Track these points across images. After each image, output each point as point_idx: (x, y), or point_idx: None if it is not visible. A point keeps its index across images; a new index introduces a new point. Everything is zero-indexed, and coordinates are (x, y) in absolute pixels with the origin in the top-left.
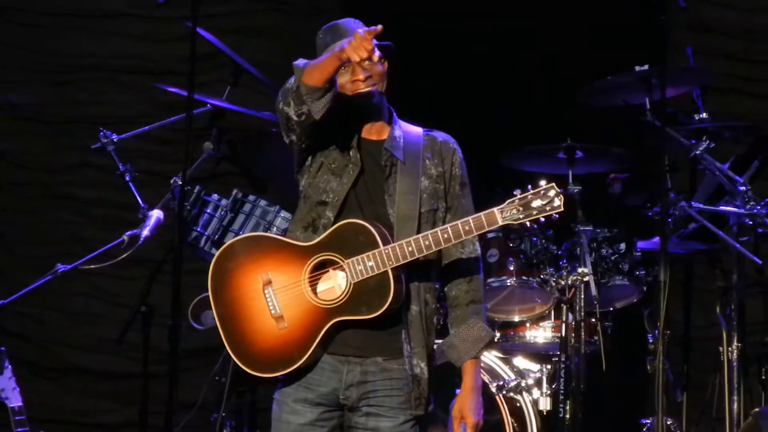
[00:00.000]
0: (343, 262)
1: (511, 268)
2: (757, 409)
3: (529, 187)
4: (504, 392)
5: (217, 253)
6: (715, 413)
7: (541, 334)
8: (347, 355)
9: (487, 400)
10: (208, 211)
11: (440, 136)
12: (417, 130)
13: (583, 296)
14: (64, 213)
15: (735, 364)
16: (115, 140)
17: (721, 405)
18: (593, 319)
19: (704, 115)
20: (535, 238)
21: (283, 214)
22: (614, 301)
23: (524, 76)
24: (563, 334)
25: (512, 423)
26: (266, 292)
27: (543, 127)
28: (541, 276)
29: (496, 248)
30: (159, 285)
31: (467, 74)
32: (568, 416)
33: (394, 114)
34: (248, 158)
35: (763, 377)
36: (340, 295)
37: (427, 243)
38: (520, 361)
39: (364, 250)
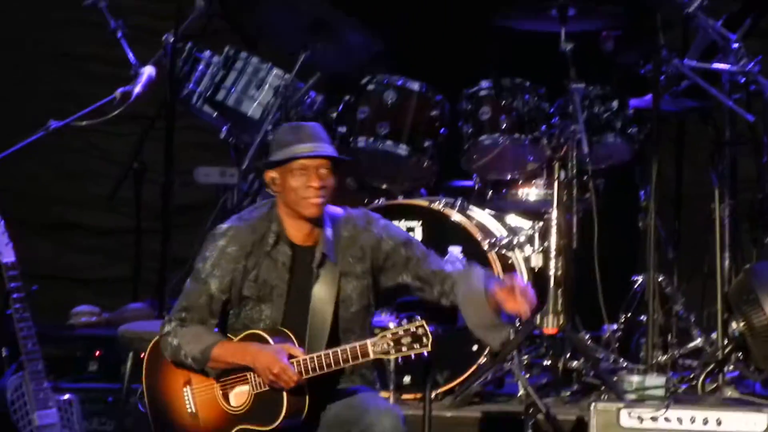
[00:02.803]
0: (246, 372)
1: (504, 126)
2: (748, 266)
3: (405, 321)
4: (496, 249)
5: (149, 345)
6: (706, 270)
7: (533, 191)
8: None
9: (480, 258)
10: (200, 67)
11: (361, 223)
12: (338, 218)
13: (575, 154)
14: (57, 69)
15: (726, 221)
16: None
17: (712, 262)
18: (585, 177)
19: None
20: (527, 96)
21: (276, 71)
22: (606, 158)
23: None
24: (555, 192)
25: None
26: (185, 390)
27: None
28: (534, 134)
29: (488, 105)
30: (151, 141)
31: None
32: (559, 273)
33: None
34: (240, 15)
35: (755, 234)
36: (243, 404)
37: (312, 365)
38: (512, 219)
39: None
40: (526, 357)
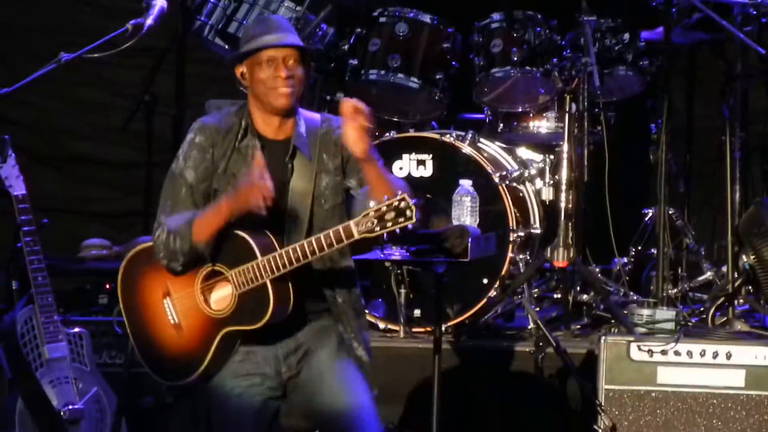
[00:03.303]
0: (227, 272)
1: (515, 59)
2: (758, 199)
3: (386, 197)
4: (507, 182)
5: (123, 263)
6: (717, 203)
7: (544, 124)
8: (275, 338)
9: (491, 190)
10: (212, 0)
11: (336, 122)
12: (315, 119)
13: (586, 86)
14: (67, 1)
15: (737, 153)
16: None
17: (723, 194)
18: (596, 110)
19: None
20: (539, 28)
21: (287, 3)
22: (618, 91)
23: None
24: (566, 125)
25: (515, 212)
26: (165, 301)
27: None
28: (545, 66)
29: (500, 38)
30: (163, 74)
31: None
32: (570, 206)
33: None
34: None
35: (765, 167)
36: (227, 306)
37: (296, 255)
38: (523, 152)
39: (245, 261)
40: (536, 290)
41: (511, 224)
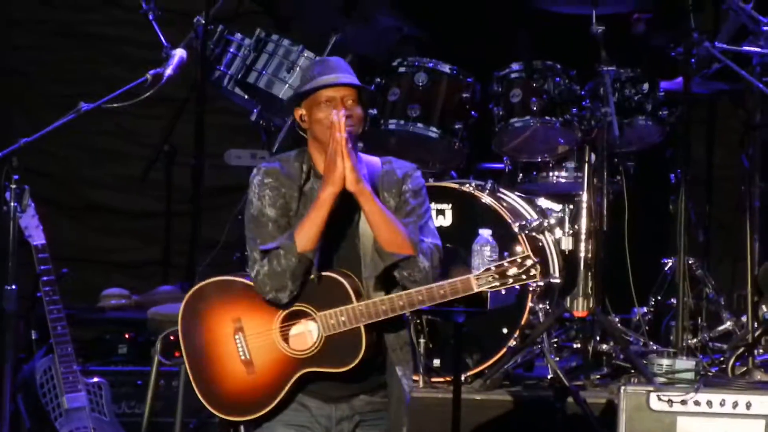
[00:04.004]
0: (315, 314)
1: (534, 108)
2: None
3: (506, 254)
4: (526, 232)
5: (187, 295)
6: (736, 253)
7: (563, 174)
8: (333, 399)
9: (510, 240)
10: (232, 50)
11: (399, 165)
12: (375, 162)
13: (605, 136)
14: (88, 52)
15: (757, 203)
16: None
17: (742, 245)
18: (616, 159)
19: None
20: (558, 78)
21: (307, 53)
22: (637, 141)
23: None
24: (586, 174)
25: None
26: (237, 337)
27: None
28: (564, 116)
29: (519, 88)
30: (182, 124)
31: None
32: (589, 256)
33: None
34: None
35: None
36: (311, 347)
37: (401, 303)
38: (543, 201)
39: (337, 304)
40: (555, 340)
41: None
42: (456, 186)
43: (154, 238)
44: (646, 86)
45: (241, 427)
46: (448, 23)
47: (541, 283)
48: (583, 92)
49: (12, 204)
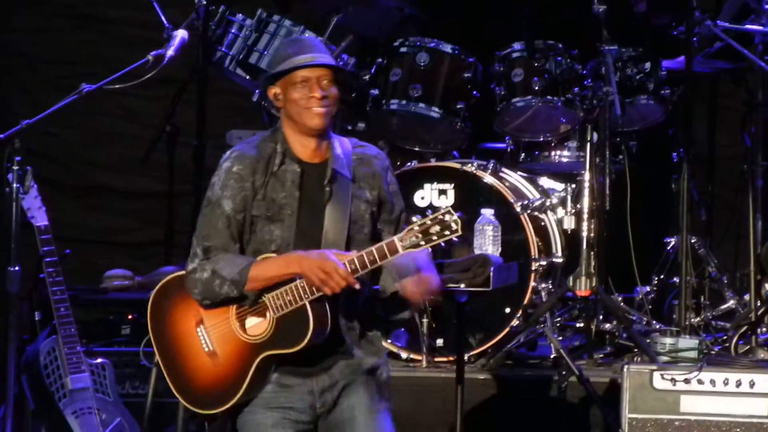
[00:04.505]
0: (264, 297)
1: (536, 88)
2: None
3: (429, 212)
4: (528, 211)
5: (152, 294)
6: (739, 231)
7: (565, 153)
8: (311, 373)
9: (513, 220)
10: (233, 31)
11: (371, 150)
12: (347, 146)
13: (608, 115)
14: (89, 33)
15: (759, 182)
16: None
17: (745, 223)
18: (618, 139)
19: None
20: (560, 58)
21: (308, 33)
22: (639, 120)
23: None
24: (588, 154)
25: (537, 242)
26: (198, 329)
27: None
28: (566, 95)
29: (521, 68)
30: (184, 105)
31: None
32: (592, 235)
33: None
34: None
35: None
36: (265, 330)
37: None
38: (545, 181)
39: (282, 284)
40: (558, 319)
41: (533, 253)
42: (458, 166)
43: (156, 218)
44: (648, 65)
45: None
46: (449, 3)
47: (544, 263)
48: (585, 71)
49: (14, 185)
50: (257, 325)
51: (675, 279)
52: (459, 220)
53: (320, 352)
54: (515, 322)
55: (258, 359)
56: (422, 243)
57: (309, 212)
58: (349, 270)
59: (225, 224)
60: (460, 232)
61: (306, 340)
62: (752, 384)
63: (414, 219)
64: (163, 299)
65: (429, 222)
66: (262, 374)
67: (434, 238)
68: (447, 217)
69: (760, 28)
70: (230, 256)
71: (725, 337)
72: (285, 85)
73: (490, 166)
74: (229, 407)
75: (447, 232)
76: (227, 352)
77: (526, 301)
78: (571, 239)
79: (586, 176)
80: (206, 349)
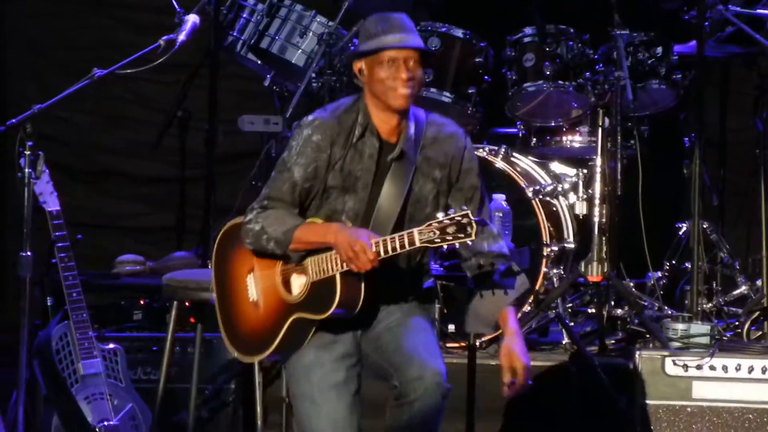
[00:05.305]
0: (306, 259)
1: (548, 73)
2: None
3: (452, 211)
4: (540, 196)
5: (219, 234)
6: (751, 216)
7: (577, 138)
8: (356, 325)
9: (524, 205)
10: (244, 15)
11: (448, 128)
12: (421, 124)
13: (619, 100)
14: (100, 18)
15: None
16: None
17: (757, 208)
18: (629, 124)
19: None
20: (571, 42)
21: (319, 18)
22: (651, 105)
23: None
24: (599, 139)
25: (548, 227)
26: (248, 277)
27: None
28: (578, 80)
29: (532, 52)
30: (195, 89)
31: None
32: (603, 220)
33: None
34: None
35: None
36: (301, 292)
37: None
38: (557, 166)
39: (326, 250)
40: (570, 305)
41: (544, 239)
42: None
43: (167, 203)
44: (659, 50)
45: (255, 369)
46: None
47: (555, 248)
48: (596, 56)
49: (26, 170)
50: (297, 285)
51: (687, 264)
52: (475, 225)
53: (367, 311)
54: (527, 308)
55: (290, 319)
56: (437, 240)
57: (378, 188)
58: (381, 251)
59: (290, 189)
60: (474, 237)
61: (330, 311)
62: (764, 370)
63: (438, 215)
64: (227, 242)
65: (447, 221)
66: (295, 334)
67: (449, 237)
68: (465, 221)
69: None
70: (282, 213)
71: (737, 323)
72: (371, 62)
73: (502, 151)
74: (263, 358)
75: (461, 235)
76: (267, 305)
77: (537, 287)
78: (582, 224)
79: (598, 161)
80: (251, 298)
